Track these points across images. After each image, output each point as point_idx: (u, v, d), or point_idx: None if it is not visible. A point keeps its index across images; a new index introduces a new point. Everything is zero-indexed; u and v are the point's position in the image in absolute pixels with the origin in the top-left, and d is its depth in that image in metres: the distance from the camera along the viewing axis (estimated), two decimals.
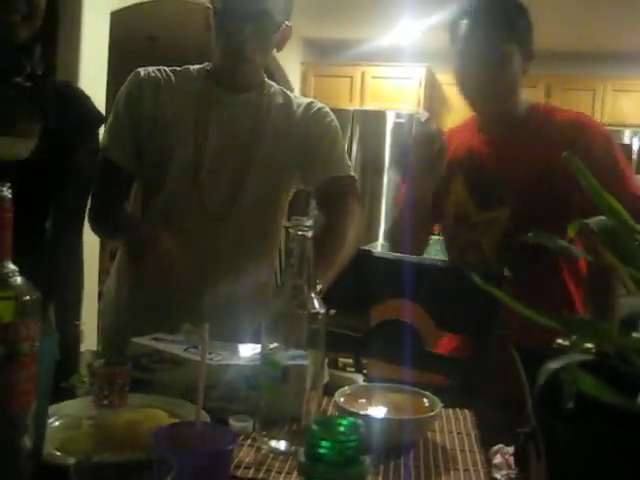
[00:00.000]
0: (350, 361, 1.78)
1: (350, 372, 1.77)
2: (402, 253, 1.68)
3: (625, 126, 4.85)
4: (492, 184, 1.67)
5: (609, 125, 4.91)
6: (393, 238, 1.82)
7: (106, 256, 3.84)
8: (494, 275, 1.42)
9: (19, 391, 0.68)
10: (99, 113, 1.54)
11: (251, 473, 0.89)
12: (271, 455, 0.95)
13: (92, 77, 3.24)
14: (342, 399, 1.05)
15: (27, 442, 0.71)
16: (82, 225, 1.51)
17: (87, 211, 1.52)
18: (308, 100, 1.65)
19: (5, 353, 0.67)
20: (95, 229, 1.55)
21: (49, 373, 0.78)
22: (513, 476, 0.89)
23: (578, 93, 5.13)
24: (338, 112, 1.67)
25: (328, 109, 1.64)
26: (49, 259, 1.43)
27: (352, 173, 1.60)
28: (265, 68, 1.64)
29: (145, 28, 5.40)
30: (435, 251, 2.32)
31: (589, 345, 0.63)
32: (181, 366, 1.11)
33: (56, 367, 0.82)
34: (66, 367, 1.22)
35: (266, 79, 1.62)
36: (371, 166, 5.29)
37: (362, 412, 0.99)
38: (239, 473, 0.89)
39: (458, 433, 1.07)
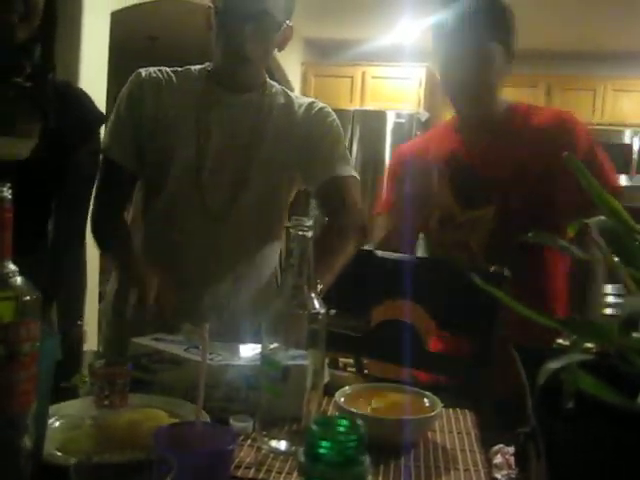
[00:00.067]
0: (350, 361, 1.78)
1: (351, 372, 1.77)
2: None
3: (625, 126, 4.85)
4: (476, 184, 1.67)
5: (609, 125, 4.91)
6: (390, 247, 1.80)
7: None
8: (494, 275, 1.42)
9: (19, 391, 0.69)
10: (100, 113, 1.54)
11: (251, 473, 0.89)
12: (271, 455, 0.95)
13: (92, 77, 3.23)
14: (342, 399, 1.05)
15: (27, 442, 0.71)
16: (84, 225, 1.51)
17: (90, 214, 1.52)
18: (309, 100, 1.65)
19: (5, 353, 0.67)
20: (93, 236, 1.54)
21: (49, 373, 0.78)
22: (513, 476, 0.89)
23: (578, 93, 5.12)
24: (338, 112, 1.67)
25: (329, 109, 1.64)
26: (51, 259, 1.43)
27: (354, 173, 1.60)
28: (265, 68, 1.64)
29: (145, 28, 5.40)
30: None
31: (589, 345, 0.63)
32: (181, 366, 1.11)
33: (58, 367, 0.82)
34: (68, 367, 1.22)
35: (268, 79, 1.62)
36: (371, 166, 5.29)
37: (362, 412, 0.99)
38: (239, 473, 0.89)
39: (458, 433, 1.07)
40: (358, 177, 1.61)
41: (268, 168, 1.55)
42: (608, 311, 4.71)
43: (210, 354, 1.08)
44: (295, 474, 0.88)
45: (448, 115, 1.95)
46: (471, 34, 1.59)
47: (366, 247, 1.56)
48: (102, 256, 1.55)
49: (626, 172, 4.70)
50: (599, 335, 0.60)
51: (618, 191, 1.61)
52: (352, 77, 5.64)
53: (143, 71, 1.57)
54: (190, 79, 1.59)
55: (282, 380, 0.96)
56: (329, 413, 1.10)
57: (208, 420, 0.94)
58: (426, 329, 1.66)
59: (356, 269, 1.45)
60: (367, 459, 0.64)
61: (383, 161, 5.24)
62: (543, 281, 1.65)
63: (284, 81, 5.22)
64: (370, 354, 1.68)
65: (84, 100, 1.52)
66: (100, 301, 2.87)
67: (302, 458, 0.63)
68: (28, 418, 0.70)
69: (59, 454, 0.87)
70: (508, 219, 1.62)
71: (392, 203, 1.75)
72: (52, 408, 0.91)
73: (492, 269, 1.43)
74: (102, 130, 1.57)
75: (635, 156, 4.72)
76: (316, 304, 0.98)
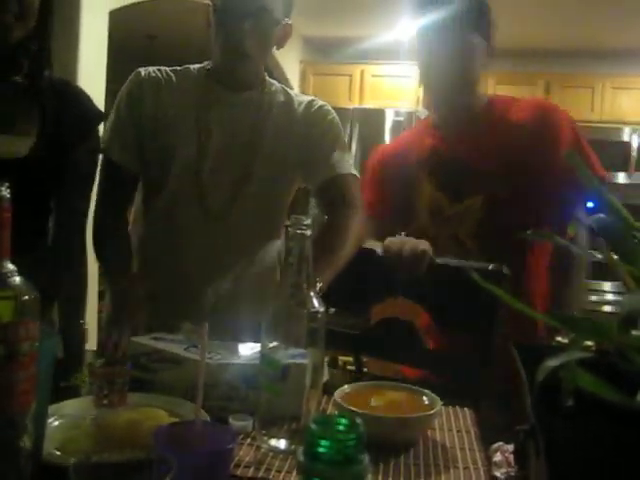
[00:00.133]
0: (350, 359, 1.78)
1: (350, 370, 1.77)
2: None
3: (624, 123, 4.84)
4: (463, 176, 1.67)
5: (608, 123, 4.91)
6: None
7: None
8: (493, 272, 1.42)
9: (18, 391, 0.68)
10: (98, 111, 1.54)
11: (251, 472, 0.89)
12: (271, 454, 0.95)
13: (91, 76, 3.23)
14: (341, 398, 1.05)
15: (27, 442, 0.71)
16: (84, 223, 1.51)
17: (92, 215, 1.52)
18: (309, 98, 1.65)
19: (4, 353, 0.67)
20: (93, 238, 1.53)
21: (48, 373, 0.78)
22: (513, 474, 0.89)
23: (577, 91, 5.12)
24: (337, 110, 1.67)
25: (329, 107, 1.64)
26: (52, 258, 1.43)
27: (353, 171, 1.59)
28: (264, 67, 1.64)
29: (144, 27, 5.39)
30: None
31: (588, 343, 0.63)
32: (181, 365, 1.11)
33: (59, 366, 0.82)
34: (69, 366, 1.22)
35: (267, 77, 1.62)
36: None
37: (361, 411, 0.99)
38: (239, 472, 0.89)
39: (458, 431, 1.07)
40: (358, 175, 1.61)
41: (268, 167, 1.55)
42: (607, 309, 4.71)
43: (209, 353, 1.08)
44: (294, 473, 0.88)
45: None
46: (456, 24, 1.59)
47: (365, 245, 1.56)
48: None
49: (625, 170, 4.70)
50: (598, 333, 0.60)
51: (605, 180, 1.68)
52: (351, 75, 5.63)
53: (142, 70, 1.57)
54: (189, 78, 1.59)
55: (281, 379, 0.96)
56: (328, 412, 1.10)
57: (208, 419, 0.94)
58: (425, 327, 1.66)
59: (355, 267, 1.45)
60: (366, 458, 0.64)
61: None
62: (525, 280, 1.66)
63: (283, 79, 5.21)
64: (369, 352, 1.68)
65: (82, 98, 1.52)
66: (99, 300, 2.87)
67: (301, 457, 0.63)
68: (27, 418, 0.70)
69: (58, 454, 0.87)
70: (496, 208, 1.63)
71: (372, 205, 1.74)
72: (51, 408, 0.91)
73: (491, 267, 1.43)
74: (101, 128, 1.57)
75: (634, 154, 4.71)
76: (315, 302, 0.98)
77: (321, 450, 0.62)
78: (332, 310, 1.47)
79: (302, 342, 0.97)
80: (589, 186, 0.70)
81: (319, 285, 1.16)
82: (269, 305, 0.99)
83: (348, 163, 1.59)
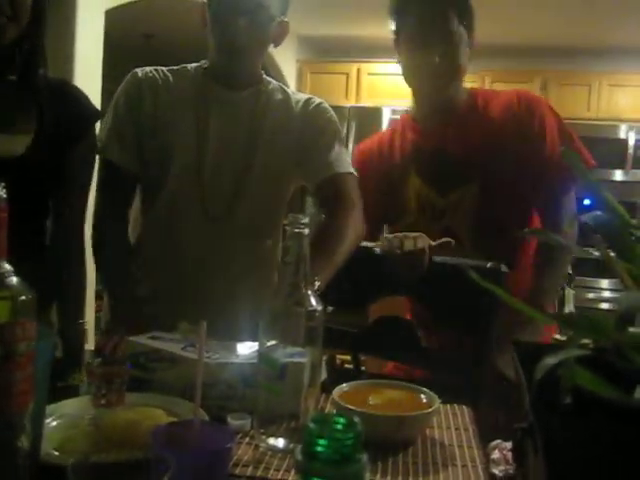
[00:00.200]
0: (348, 358, 1.78)
1: (348, 369, 1.77)
2: None
3: (621, 121, 4.85)
4: (450, 167, 1.68)
5: (605, 120, 4.91)
6: None
7: None
8: (492, 271, 1.42)
9: (16, 391, 0.68)
10: (95, 109, 1.54)
11: (249, 471, 0.89)
12: (269, 453, 0.95)
13: (87, 75, 3.23)
14: (339, 396, 1.05)
15: (24, 442, 0.70)
16: (83, 223, 1.50)
17: (93, 217, 1.51)
18: (307, 96, 1.65)
19: (1, 353, 0.66)
20: (92, 243, 1.53)
21: (46, 373, 0.78)
22: (511, 472, 0.89)
23: (574, 88, 5.12)
24: (334, 109, 1.67)
25: (327, 105, 1.64)
26: (50, 258, 1.43)
27: (351, 170, 1.59)
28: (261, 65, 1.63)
29: (140, 26, 5.38)
30: None
31: (586, 340, 0.63)
32: (179, 365, 1.11)
33: (59, 366, 0.82)
34: (69, 366, 1.22)
35: (265, 76, 1.62)
36: None
37: (359, 409, 0.99)
38: (237, 471, 0.89)
39: (456, 429, 1.07)
40: (356, 173, 1.61)
41: (267, 165, 1.55)
42: (604, 306, 4.72)
43: (207, 352, 1.08)
44: (293, 472, 0.88)
45: None
46: (442, 16, 1.60)
47: (363, 244, 1.56)
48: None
49: (621, 167, 4.71)
50: (596, 330, 0.60)
51: (593, 168, 1.69)
52: (347, 74, 5.63)
53: (139, 71, 1.57)
54: (186, 77, 1.58)
55: (279, 378, 0.96)
56: (326, 410, 1.10)
57: (206, 418, 0.94)
58: (424, 325, 1.66)
59: (353, 266, 1.45)
60: (365, 457, 0.64)
61: None
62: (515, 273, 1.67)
63: (278, 78, 5.20)
64: (367, 351, 1.68)
65: (79, 96, 1.52)
66: (96, 299, 2.87)
67: (299, 456, 0.63)
68: (25, 418, 0.70)
69: (56, 454, 0.87)
70: (487, 199, 1.63)
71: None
72: (49, 407, 0.91)
73: (489, 265, 1.43)
74: (97, 126, 1.56)
75: (630, 151, 4.72)
76: (313, 301, 0.98)
77: (319, 449, 0.62)
78: (330, 309, 1.47)
79: (300, 341, 0.97)
80: (586, 183, 0.71)
81: (317, 284, 1.16)
82: (267, 304, 0.99)
83: (346, 162, 1.59)
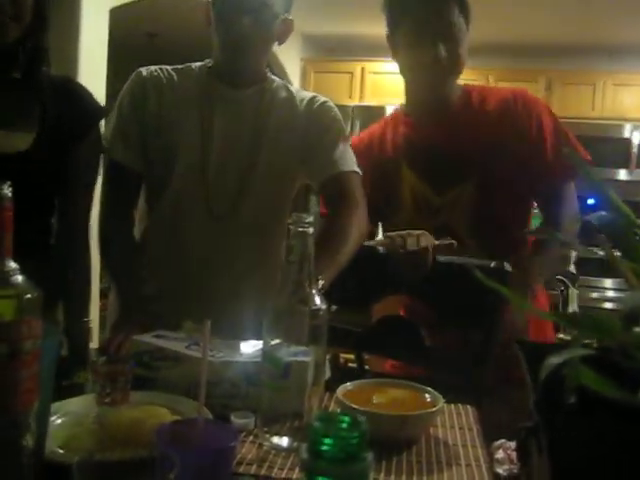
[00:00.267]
0: (352, 357, 1.78)
1: (352, 367, 1.77)
2: None
3: (625, 120, 4.83)
4: (445, 164, 1.67)
5: (609, 119, 4.90)
6: None
7: None
8: (496, 270, 1.42)
9: (21, 389, 0.68)
10: (100, 106, 1.54)
11: (253, 469, 0.89)
12: (273, 451, 0.95)
13: (92, 74, 3.23)
14: (343, 395, 1.05)
15: (29, 440, 0.71)
16: (88, 220, 1.50)
17: (99, 217, 1.51)
18: (311, 94, 1.64)
19: (7, 351, 0.67)
20: (99, 243, 1.53)
21: (51, 371, 0.78)
22: (515, 471, 0.89)
23: (578, 88, 5.11)
24: (338, 108, 1.66)
25: (331, 103, 1.64)
26: (56, 256, 1.43)
27: (356, 168, 1.59)
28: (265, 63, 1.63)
29: (144, 25, 5.38)
30: None
31: (590, 340, 0.63)
32: (183, 363, 1.11)
33: (65, 364, 0.82)
34: (74, 364, 1.22)
35: (269, 74, 1.62)
36: None
37: (364, 408, 0.99)
38: (241, 470, 0.89)
39: (460, 428, 1.07)
40: (360, 172, 1.60)
41: (271, 163, 1.55)
42: (608, 306, 4.70)
43: (211, 351, 1.08)
44: (297, 470, 0.89)
45: None
46: (444, 8, 1.58)
47: (367, 243, 1.56)
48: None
49: (626, 167, 4.70)
50: (600, 330, 0.60)
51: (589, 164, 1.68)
52: (351, 73, 5.62)
53: (144, 70, 1.57)
54: (191, 76, 1.59)
55: (283, 376, 0.96)
56: (330, 409, 1.10)
57: (210, 417, 0.94)
58: (427, 325, 1.66)
59: (357, 265, 1.45)
60: (370, 455, 0.64)
61: None
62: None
63: (282, 76, 5.20)
64: (371, 350, 1.68)
65: (83, 94, 1.52)
66: (101, 298, 2.87)
67: (304, 455, 0.63)
68: (30, 416, 0.70)
69: (61, 452, 0.87)
70: (485, 196, 1.63)
71: None
72: (54, 406, 0.91)
73: (493, 264, 1.43)
74: (102, 124, 1.57)
75: (635, 150, 4.70)
76: (317, 300, 0.98)
77: (324, 448, 0.62)
78: (334, 307, 1.47)
79: (304, 339, 0.97)
80: (590, 182, 0.70)
81: (321, 283, 1.16)
82: (271, 303, 0.99)
83: (351, 160, 1.58)
